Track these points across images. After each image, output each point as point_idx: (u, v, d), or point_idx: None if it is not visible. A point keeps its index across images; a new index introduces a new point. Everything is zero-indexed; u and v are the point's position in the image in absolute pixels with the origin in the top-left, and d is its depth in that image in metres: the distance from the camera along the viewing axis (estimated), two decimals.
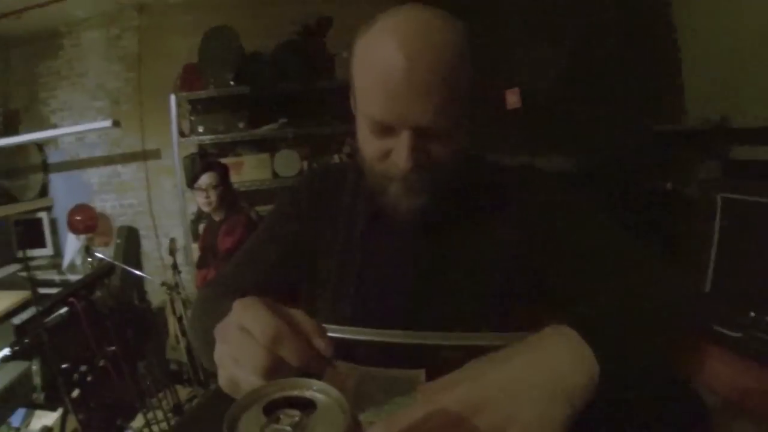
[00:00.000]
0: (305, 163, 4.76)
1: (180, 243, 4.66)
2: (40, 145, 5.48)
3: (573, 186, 1.17)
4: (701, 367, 0.87)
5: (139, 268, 5.16)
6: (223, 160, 4.39)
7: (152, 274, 5.14)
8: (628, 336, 0.76)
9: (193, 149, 4.85)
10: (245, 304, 0.72)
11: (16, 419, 3.03)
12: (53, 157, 5.54)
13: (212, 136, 4.60)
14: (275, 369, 0.66)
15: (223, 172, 3.76)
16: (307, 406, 0.54)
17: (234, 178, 4.27)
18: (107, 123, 4.70)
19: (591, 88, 2.90)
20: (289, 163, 4.75)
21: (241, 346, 0.69)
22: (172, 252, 4.29)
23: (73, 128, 5.22)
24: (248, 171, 4.71)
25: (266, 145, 4.87)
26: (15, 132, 5.38)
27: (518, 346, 0.72)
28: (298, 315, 0.73)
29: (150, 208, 5.35)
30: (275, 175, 4.79)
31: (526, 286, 1.09)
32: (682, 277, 0.99)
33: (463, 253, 1.11)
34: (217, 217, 3.78)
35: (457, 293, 1.09)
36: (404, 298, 1.12)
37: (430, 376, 0.79)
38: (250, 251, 1.28)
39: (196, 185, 3.73)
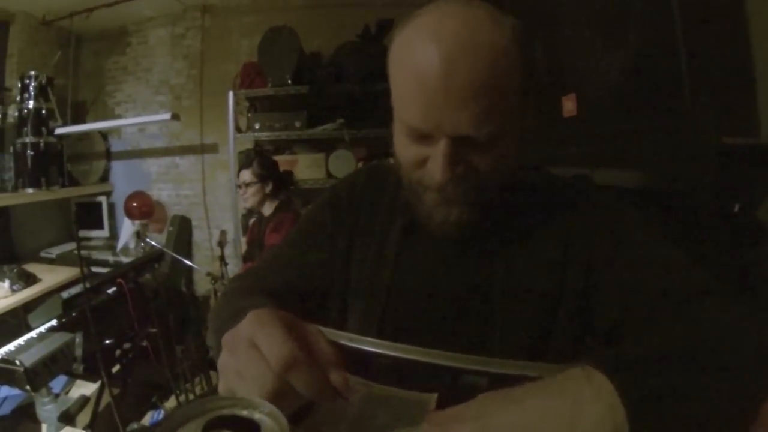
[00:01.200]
0: (360, 165, 4.66)
1: (230, 236, 4.67)
2: (104, 134, 5.67)
3: (630, 204, 1.02)
4: None
5: (189, 257, 5.28)
6: (279, 158, 4.38)
7: (201, 263, 5.25)
8: (675, 388, 0.62)
9: (250, 145, 4.88)
10: (261, 319, 0.66)
11: (57, 386, 3.09)
12: (116, 146, 5.75)
13: (268, 134, 4.57)
14: (282, 394, 0.60)
15: (265, 171, 3.64)
16: (251, 429, 0.51)
17: None
18: (167, 116, 4.76)
19: (654, 96, 2.56)
20: (343, 163, 4.64)
21: (249, 363, 0.62)
22: (221, 244, 4.30)
23: (136, 120, 5.37)
24: (302, 170, 4.67)
25: (322, 145, 4.79)
26: (82, 121, 5.55)
27: (537, 386, 0.63)
28: (318, 337, 0.67)
29: (204, 200, 5.43)
30: (329, 175, 4.69)
31: (567, 314, 0.94)
32: (753, 316, 0.77)
33: (500, 272, 0.96)
34: (266, 213, 3.71)
35: (489, 315, 0.94)
36: (433, 317, 1.00)
37: (445, 402, 0.68)
38: (283, 250, 1.18)
39: (237, 180, 3.71)
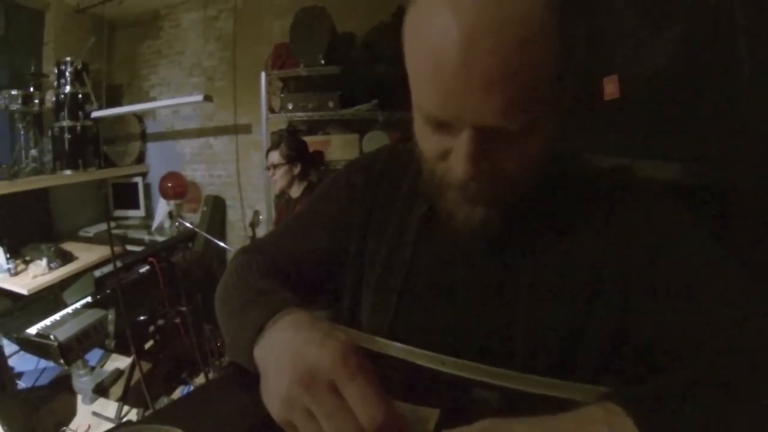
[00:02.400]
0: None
1: (263, 216, 4.65)
2: (139, 117, 5.76)
3: (677, 201, 0.86)
4: None
5: (223, 236, 5.34)
6: (312, 138, 4.36)
7: (234, 242, 5.28)
8: None
9: (283, 126, 4.82)
10: (347, 358, 0.58)
11: (92, 359, 3.18)
12: (151, 128, 5.82)
13: (301, 114, 4.48)
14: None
15: (294, 152, 3.53)
16: None
17: None
18: (199, 97, 4.77)
19: (706, 80, 2.25)
20: (377, 144, 4.25)
21: (333, 413, 0.56)
22: (252, 224, 4.27)
23: (170, 101, 5.38)
24: (335, 150, 4.55)
25: (356, 126, 4.62)
26: (117, 104, 5.66)
27: (548, 422, 0.56)
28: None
29: (238, 180, 5.41)
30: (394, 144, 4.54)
31: (599, 321, 0.81)
32: None
33: (528, 269, 0.85)
34: (294, 195, 3.63)
35: (512, 316, 0.83)
36: (450, 319, 0.89)
37: (450, 418, 0.62)
38: (296, 225, 1.10)
39: (266, 162, 3.65)
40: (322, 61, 4.26)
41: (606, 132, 2.93)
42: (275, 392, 0.61)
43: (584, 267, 0.83)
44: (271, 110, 4.59)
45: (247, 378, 0.70)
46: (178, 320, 3.19)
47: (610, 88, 2.96)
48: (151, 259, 3.01)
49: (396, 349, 0.75)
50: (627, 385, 0.67)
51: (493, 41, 0.61)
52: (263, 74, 4.48)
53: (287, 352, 0.63)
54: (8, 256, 3.84)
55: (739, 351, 0.65)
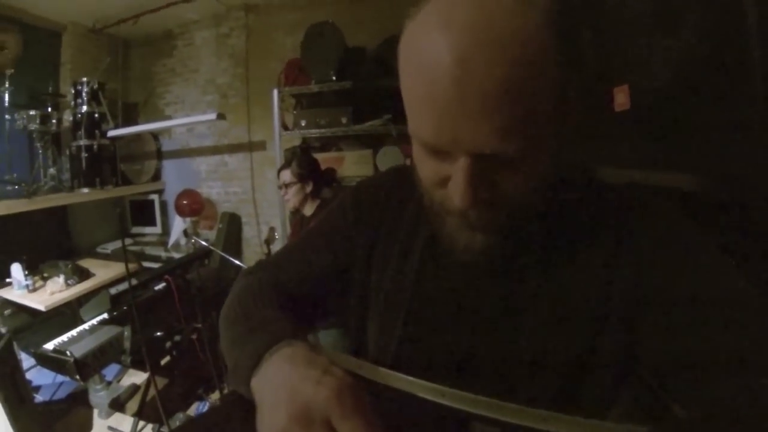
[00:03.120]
0: (408, 161, 4.61)
1: (279, 233, 4.65)
2: (155, 135, 5.84)
3: (693, 217, 0.80)
4: None
5: (239, 253, 5.38)
6: (325, 155, 4.36)
7: (250, 259, 5.31)
8: None
9: (297, 142, 4.82)
10: (342, 395, 0.59)
11: (109, 374, 3.27)
12: (166, 146, 5.90)
13: (314, 130, 4.52)
14: None
15: (305, 170, 3.48)
16: None
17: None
18: (212, 116, 4.83)
19: (719, 88, 2.11)
20: (391, 159, 4.43)
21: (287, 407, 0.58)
22: (268, 241, 4.26)
23: (184, 120, 5.47)
24: (349, 166, 4.55)
25: (369, 141, 4.62)
26: (133, 122, 5.76)
27: None
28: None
29: (253, 197, 5.47)
30: (377, 171, 4.39)
31: (608, 348, 0.77)
32: None
33: (534, 293, 0.81)
34: (307, 213, 3.57)
35: (517, 342, 0.80)
36: (454, 345, 0.85)
37: None
38: (302, 246, 1.07)
39: (278, 181, 3.60)
40: (334, 77, 4.26)
41: (617, 143, 2.84)
42: (270, 426, 0.60)
43: (592, 292, 0.78)
44: (284, 127, 4.60)
45: (247, 407, 0.69)
46: (194, 336, 3.20)
47: (621, 98, 2.87)
48: (166, 276, 3.03)
49: (397, 379, 0.71)
50: (638, 421, 0.63)
51: (486, 61, 0.58)
52: (275, 91, 4.50)
53: (283, 386, 0.63)
54: (26, 272, 3.90)
55: (757, 392, 0.61)
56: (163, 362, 3.06)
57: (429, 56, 0.62)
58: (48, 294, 3.84)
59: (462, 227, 0.76)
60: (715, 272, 0.74)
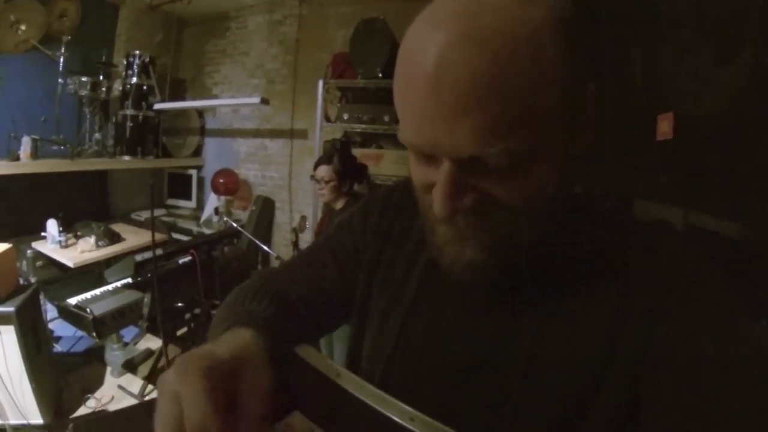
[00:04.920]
0: None
1: (309, 223, 4.66)
2: (200, 112, 5.96)
3: (726, 268, 0.69)
4: None
5: (269, 237, 5.43)
6: (365, 151, 4.33)
7: (279, 244, 5.38)
8: None
9: (338, 135, 4.76)
10: (187, 369, 0.56)
11: (128, 335, 3.35)
12: (210, 124, 6.01)
13: (356, 125, 4.48)
14: None
15: (345, 169, 3.43)
16: None
17: (372, 170, 4.12)
18: (256, 100, 4.89)
19: None
20: None
21: (167, 415, 0.54)
22: (297, 230, 4.25)
23: (229, 101, 5.59)
24: (387, 165, 4.43)
25: None
26: (180, 98, 5.91)
27: None
28: (250, 397, 0.58)
29: (289, 183, 5.50)
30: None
31: (605, 405, 0.67)
32: None
33: (529, 335, 0.73)
34: (337, 207, 3.51)
35: (505, 387, 0.72)
36: (440, 376, 0.80)
37: None
38: (309, 258, 1.04)
39: (313, 175, 3.54)
40: (380, 74, 4.22)
41: (658, 174, 2.57)
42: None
43: (596, 337, 0.69)
44: (327, 119, 4.61)
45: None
46: (214, 312, 3.23)
47: (664, 126, 2.59)
48: (192, 250, 3.07)
49: (371, 394, 0.66)
50: None
51: (467, 57, 0.54)
52: (321, 82, 4.51)
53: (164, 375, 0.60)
54: (61, 229, 4.03)
55: None
56: (179, 333, 3.10)
57: (412, 54, 0.58)
58: (78, 252, 3.95)
59: (451, 237, 0.69)
60: (740, 340, 0.62)
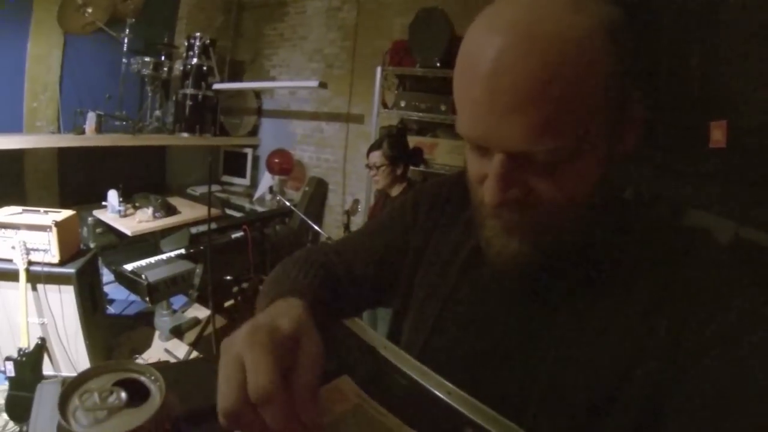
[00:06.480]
0: None
1: (362, 206, 4.68)
2: (257, 93, 6.08)
3: (764, 294, 0.66)
4: None
5: (320, 218, 5.49)
6: (420, 139, 4.31)
7: (329, 225, 5.44)
8: None
9: (394, 122, 4.77)
10: (254, 337, 0.60)
11: (177, 303, 3.44)
12: (267, 105, 6.12)
13: (412, 113, 4.42)
14: (243, 417, 0.57)
15: (396, 153, 3.41)
16: (143, 395, 0.53)
17: (426, 158, 4.16)
18: (314, 83, 4.92)
19: None
20: None
21: (230, 378, 0.57)
22: (349, 212, 4.27)
23: (288, 83, 5.70)
24: (441, 154, 4.37)
25: None
26: (238, 79, 6.07)
27: None
28: (307, 369, 0.60)
29: (344, 167, 5.51)
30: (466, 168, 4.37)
31: (627, 406, 0.68)
32: None
33: (559, 330, 0.76)
34: (393, 193, 3.51)
35: (531, 380, 0.75)
36: (474, 359, 0.84)
37: None
38: (358, 237, 1.10)
39: (367, 162, 3.55)
40: (438, 63, 4.17)
41: (709, 184, 2.48)
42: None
43: (624, 338, 0.71)
44: (384, 105, 4.59)
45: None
46: (261, 287, 3.28)
47: (717, 134, 2.54)
48: (245, 226, 3.13)
49: (413, 367, 0.73)
50: None
51: (521, 58, 0.58)
52: (379, 68, 4.51)
53: (229, 338, 0.64)
54: (121, 199, 4.24)
55: None
56: (226, 304, 3.17)
57: (472, 52, 0.63)
58: (136, 222, 4.13)
59: (499, 230, 0.73)
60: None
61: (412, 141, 3.91)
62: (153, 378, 0.55)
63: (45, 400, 0.61)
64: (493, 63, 0.59)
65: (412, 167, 3.64)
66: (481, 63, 0.60)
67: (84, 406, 0.51)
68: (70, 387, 0.53)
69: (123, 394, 0.52)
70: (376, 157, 3.38)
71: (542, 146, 0.61)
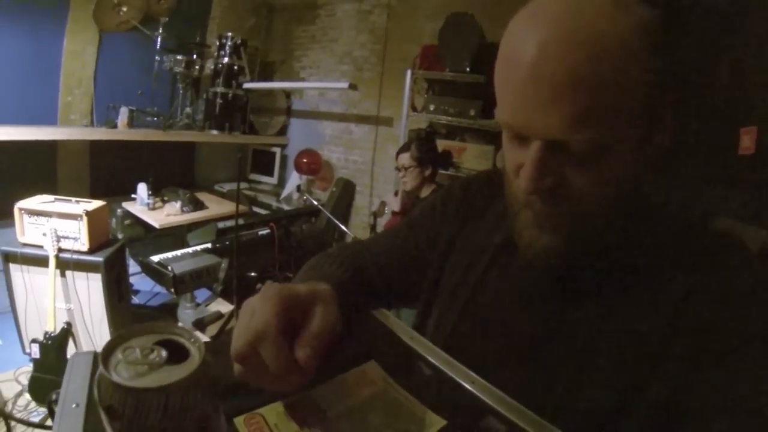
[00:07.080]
0: None
1: (389, 208, 4.67)
2: (287, 93, 6.14)
3: None
4: None
5: (346, 218, 5.49)
6: (448, 143, 4.34)
7: (356, 227, 5.43)
8: None
9: (423, 125, 4.81)
10: (267, 292, 0.65)
11: (200, 297, 3.53)
12: (296, 105, 6.17)
13: (441, 117, 4.45)
14: (250, 359, 0.61)
15: (424, 154, 3.44)
16: (182, 356, 0.54)
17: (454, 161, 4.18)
18: (344, 84, 4.95)
19: None
20: None
21: (240, 324, 0.63)
22: (376, 214, 4.30)
23: (317, 84, 5.75)
24: (468, 158, 4.43)
25: (493, 138, 4.36)
26: (269, 79, 6.17)
27: None
28: (316, 319, 0.65)
29: (372, 168, 5.52)
30: (495, 168, 4.20)
31: (649, 402, 0.67)
32: None
33: (583, 328, 0.75)
34: (422, 195, 3.53)
35: (552, 377, 0.75)
36: (496, 352, 0.84)
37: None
38: (389, 233, 1.13)
39: (396, 163, 3.58)
40: (468, 69, 4.17)
41: (737, 190, 2.45)
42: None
43: (649, 334, 0.70)
44: (413, 108, 4.61)
45: None
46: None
47: (746, 141, 2.54)
48: (271, 223, 3.15)
49: (438, 356, 0.75)
50: None
51: (564, 51, 0.60)
52: (409, 72, 4.53)
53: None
54: (150, 192, 4.34)
55: None
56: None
57: (515, 44, 0.65)
58: (164, 215, 4.20)
59: (530, 222, 0.74)
60: None
61: (441, 144, 3.94)
62: (193, 340, 0.56)
63: (78, 368, 0.62)
64: (535, 54, 0.61)
65: (440, 170, 3.65)
66: (524, 53, 0.62)
67: (126, 360, 0.52)
68: (114, 342, 0.55)
69: (163, 353, 0.53)
70: (405, 158, 3.40)
71: (578, 135, 0.63)
